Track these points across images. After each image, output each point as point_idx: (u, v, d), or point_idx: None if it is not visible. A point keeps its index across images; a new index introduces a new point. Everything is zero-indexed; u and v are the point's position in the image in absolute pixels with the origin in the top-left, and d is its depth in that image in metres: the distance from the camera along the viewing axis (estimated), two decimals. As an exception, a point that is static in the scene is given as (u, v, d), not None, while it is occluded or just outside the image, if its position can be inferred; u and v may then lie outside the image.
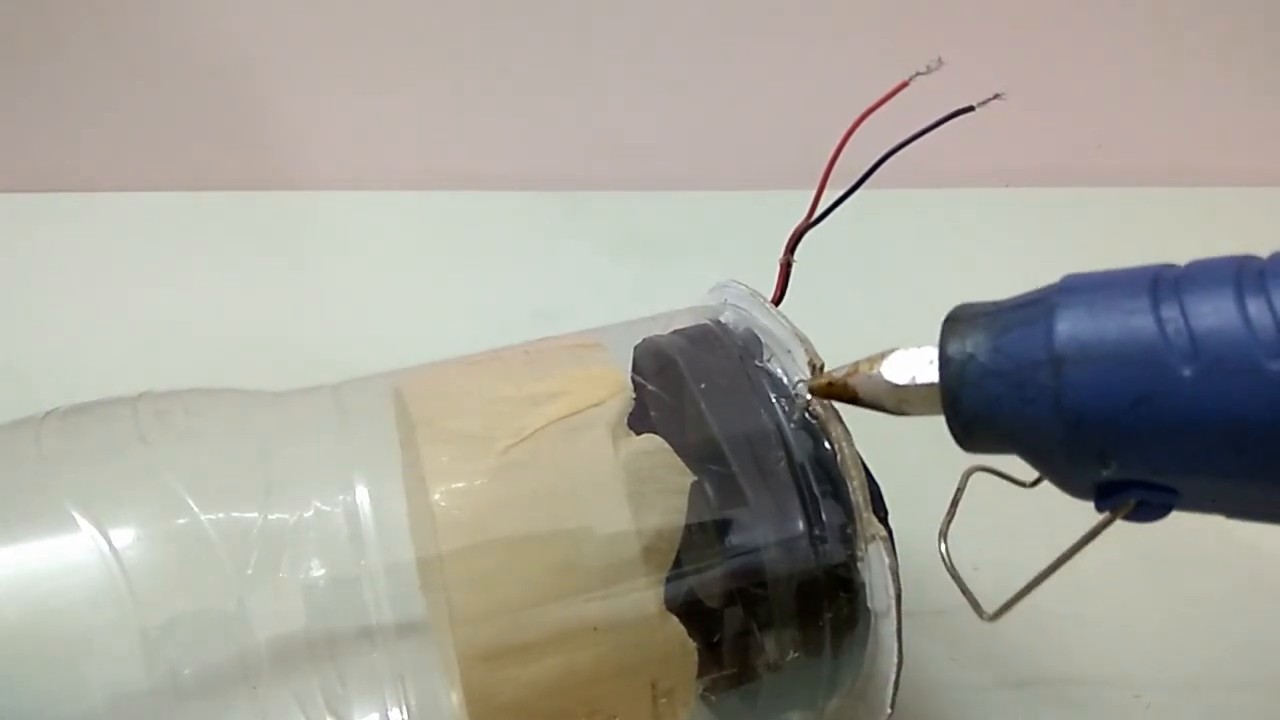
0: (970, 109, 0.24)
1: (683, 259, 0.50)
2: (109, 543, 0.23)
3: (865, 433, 0.27)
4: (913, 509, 0.28)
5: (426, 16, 0.51)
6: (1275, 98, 0.55)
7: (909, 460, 0.40)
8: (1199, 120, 0.55)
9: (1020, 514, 0.40)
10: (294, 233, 0.51)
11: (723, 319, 0.31)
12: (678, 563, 0.25)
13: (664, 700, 0.24)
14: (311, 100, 0.53)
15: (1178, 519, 0.21)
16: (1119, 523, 0.22)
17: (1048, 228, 0.53)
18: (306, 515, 0.25)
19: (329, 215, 0.52)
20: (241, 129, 0.53)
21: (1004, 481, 0.29)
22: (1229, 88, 0.55)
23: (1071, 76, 0.54)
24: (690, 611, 0.25)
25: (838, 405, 0.26)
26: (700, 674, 0.25)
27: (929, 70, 0.23)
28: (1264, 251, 0.21)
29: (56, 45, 0.50)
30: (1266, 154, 0.56)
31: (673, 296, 0.32)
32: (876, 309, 0.47)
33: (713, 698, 0.26)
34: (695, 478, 0.25)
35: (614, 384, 0.26)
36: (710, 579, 0.25)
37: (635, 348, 0.31)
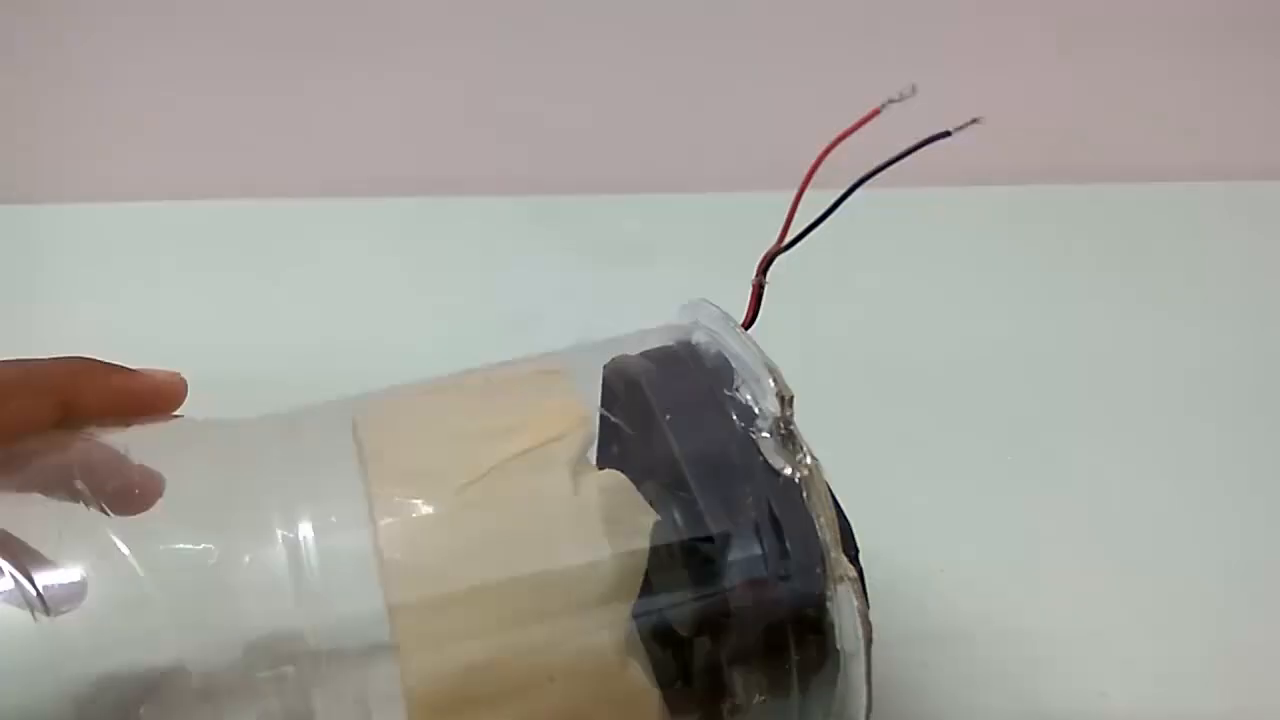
0: (947, 134, 0.23)
1: (653, 263, 0.49)
2: (38, 593, 0.22)
3: (842, 457, 0.26)
4: (892, 527, 0.27)
5: (391, 19, 0.50)
6: (1250, 93, 0.54)
7: (890, 477, 0.39)
8: (1174, 116, 0.55)
9: (986, 515, 0.40)
10: (260, 241, 0.50)
11: (693, 340, 0.30)
12: (640, 605, 0.24)
13: (625, 749, 0.24)
14: (275, 105, 0.52)
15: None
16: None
17: (1021, 226, 0.52)
18: (249, 554, 0.25)
19: (295, 223, 0.51)
20: (211, 139, 0.52)
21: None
22: (1204, 84, 0.54)
23: (1044, 73, 0.53)
24: (653, 655, 0.24)
25: (804, 433, 0.26)
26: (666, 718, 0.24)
27: (901, 98, 0.22)
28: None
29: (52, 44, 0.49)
30: (1242, 149, 0.55)
31: (643, 301, 0.31)
32: (846, 307, 0.47)
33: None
34: (658, 517, 0.24)
35: (575, 417, 0.25)
36: (673, 621, 0.24)
37: (605, 367, 0.30)
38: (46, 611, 0.21)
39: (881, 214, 0.52)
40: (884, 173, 0.23)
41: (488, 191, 0.52)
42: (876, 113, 0.22)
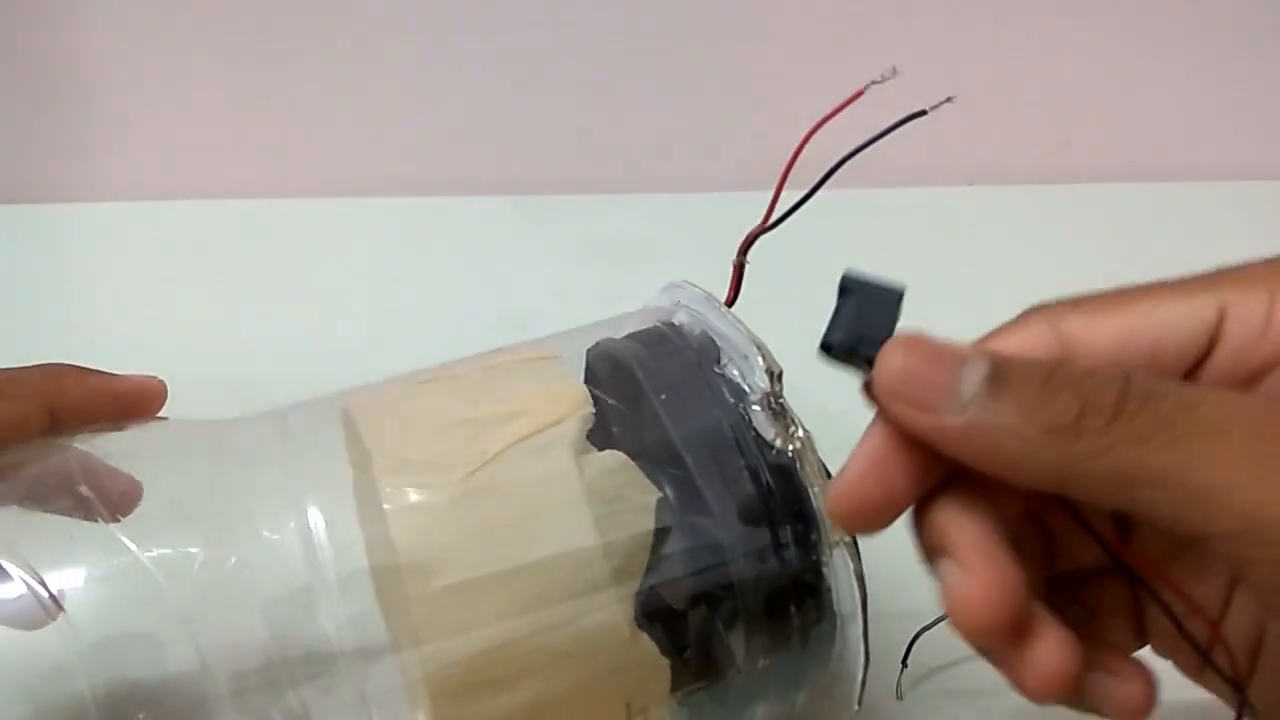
0: (923, 113, 0.24)
1: (648, 262, 0.49)
2: (47, 591, 0.21)
3: (830, 434, 0.27)
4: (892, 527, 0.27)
5: (391, 19, 0.49)
6: (1239, 92, 0.55)
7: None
8: (1164, 116, 0.55)
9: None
10: (260, 241, 0.50)
11: (676, 321, 0.30)
12: (646, 579, 0.24)
13: (639, 718, 0.24)
14: (275, 105, 0.51)
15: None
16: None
17: (1013, 226, 0.53)
18: (257, 545, 0.25)
19: (295, 223, 0.51)
20: (211, 139, 0.51)
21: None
22: (1193, 83, 0.55)
23: (1035, 72, 0.54)
24: (661, 627, 0.25)
25: (795, 406, 0.26)
26: (674, 688, 0.25)
27: (883, 79, 0.23)
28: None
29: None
30: (1231, 149, 0.56)
31: (642, 300, 0.31)
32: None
33: (687, 711, 0.26)
34: (660, 494, 0.25)
35: (573, 400, 0.26)
36: (679, 593, 0.25)
37: (588, 352, 0.30)
38: (60, 613, 0.21)
39: (880, 214, 0.52)
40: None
41: (488, 191, 0.52)
42: (860, 93, 0.23)
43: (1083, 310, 0.22)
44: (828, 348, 0.21)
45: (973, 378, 0.19)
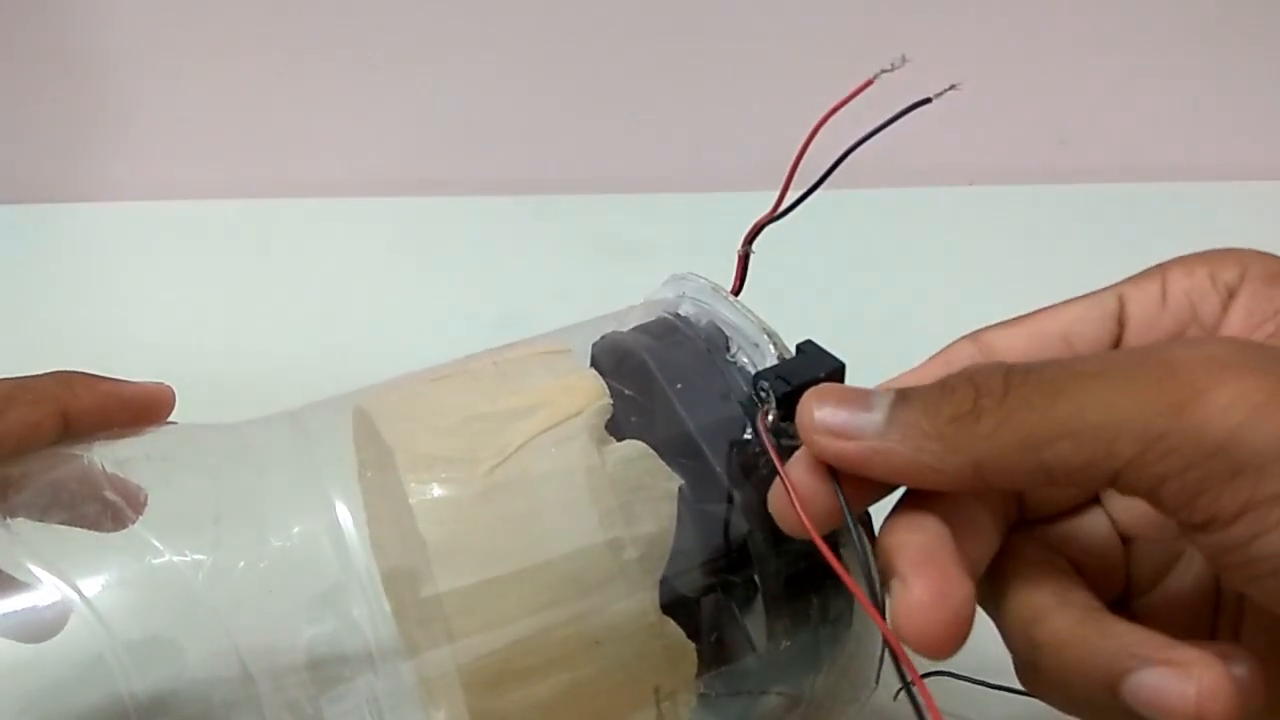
0: (928, 101, 0.24)
1: (652, 262, 0.49)
2: (81, 597, 0.21)
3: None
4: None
5: (391, 19, 0.49)
6: (1239, 92, 0.55)
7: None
8: (1164, 116, 0.56)
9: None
10: (260, 241, 0.50)
11: (682, 312, 0.31)
12: (671, 565, 0.25)
13: (667, 703, 0.25)
14: (276, 105, 0.51)
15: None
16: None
17: (1012, 225, 0.53)
18: (285, 546, 0.25)
19: (295, 223, 0.51)
20: (212, 139, 0.51)
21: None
22: (1192, 83, 0.55)
23: (1034, 73, 0.54)
24: (686, 612, 0.25)
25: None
26: (699, 673, 0.25)
27: (893, 68, 0.23)
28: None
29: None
30: (1230, 149, 0.56)
31: (641, 299, 0.32)
32: (842, 308, 0.47)
33: (712, 694, 0.27)
34: (681, 481, 0.25)
35: (590, 392, 0.26)
36: (702, 578, 0.25)
37: (594, 345, 0.30)
38: (93, 611, 0.21)
39: (880, 214, 0.52)
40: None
41: (488, 191, 0.52)
42: (870, 83, 0.24)
43: (1000, 325, 0.25)
44: (756, 377, 0.24)
45: (882, 403, 0.22)
